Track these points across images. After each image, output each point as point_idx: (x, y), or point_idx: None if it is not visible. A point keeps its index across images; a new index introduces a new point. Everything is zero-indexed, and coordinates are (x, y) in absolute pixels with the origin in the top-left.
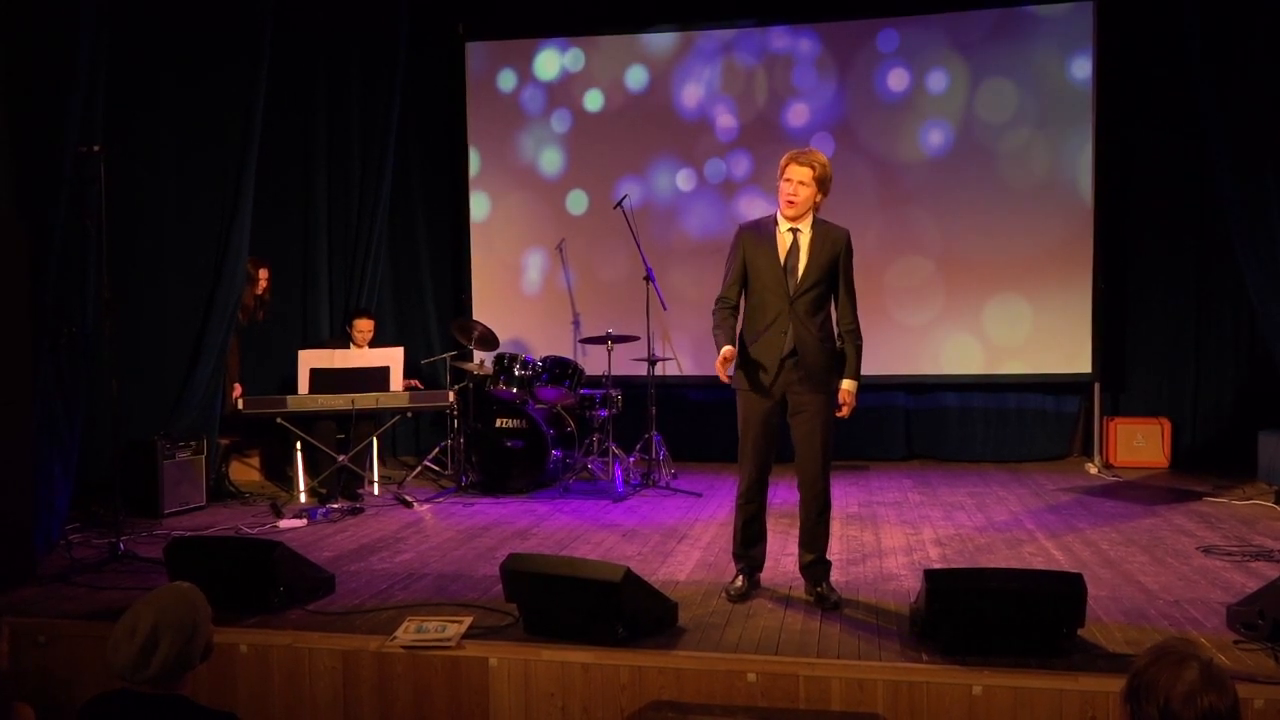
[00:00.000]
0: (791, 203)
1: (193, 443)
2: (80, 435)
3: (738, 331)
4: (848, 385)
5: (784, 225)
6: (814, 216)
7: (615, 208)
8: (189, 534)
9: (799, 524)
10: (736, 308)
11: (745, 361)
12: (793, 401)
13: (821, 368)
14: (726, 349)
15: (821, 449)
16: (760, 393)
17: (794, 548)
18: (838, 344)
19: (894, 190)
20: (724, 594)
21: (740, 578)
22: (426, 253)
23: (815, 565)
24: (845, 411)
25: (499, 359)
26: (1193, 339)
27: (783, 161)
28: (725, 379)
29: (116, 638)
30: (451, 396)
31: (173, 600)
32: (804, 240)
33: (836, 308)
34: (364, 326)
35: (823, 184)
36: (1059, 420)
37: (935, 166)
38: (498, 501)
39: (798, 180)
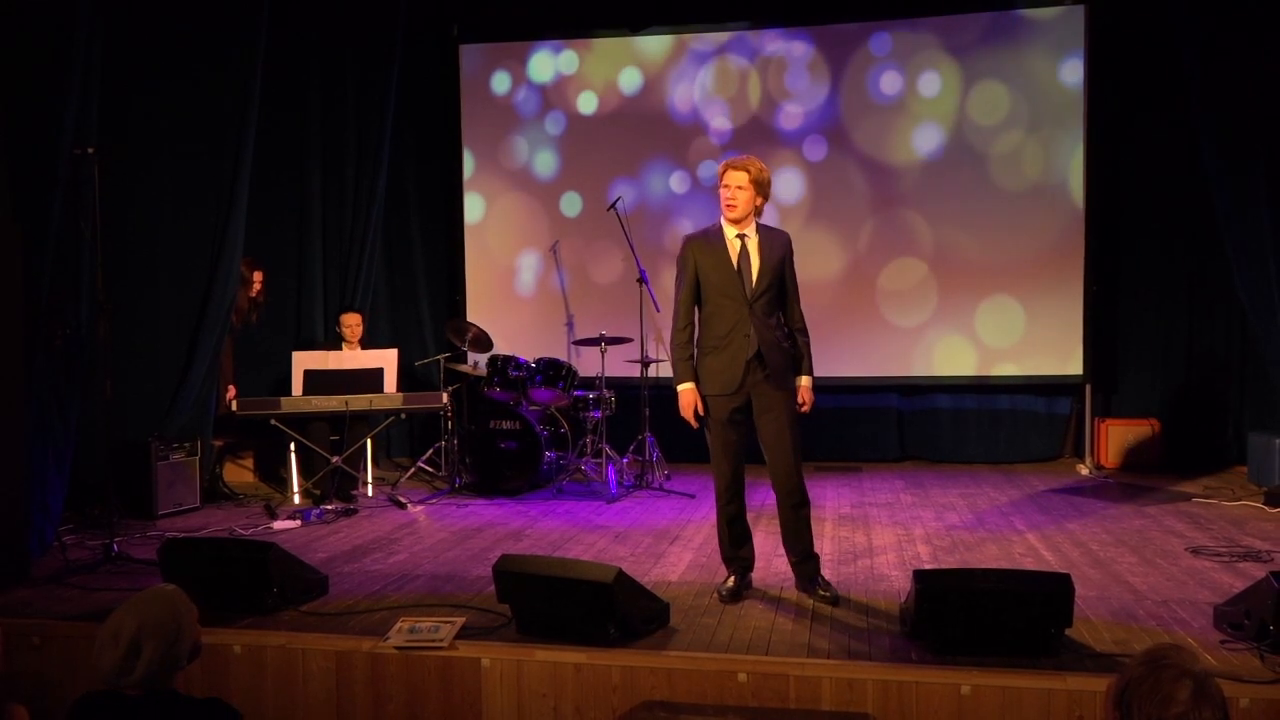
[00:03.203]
0: (731, 206)
1: (187, 444)
2: (74, 437)
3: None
4: (806, 382)
5: (730, 232)
6: (756, 222)
7: (609, 210)
8: (182, 535)
9: (780, 524)
10: (694, 338)
11: (709, 367)
12: (758, 402)
13: (783, 366)
14: (697, 403)
15: (792, 446)
16: (727, 396)
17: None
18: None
19: (886, 192)
20: (715, 594)
21: (732, 578)
22: (421, 255)
23: (806, 562)
24: (807, 408)
25: (492, 360)
26: (1183, 340)
27: (719, 169)
28: (695, 425)
29: (100, 644)
30: (445, 398)
31: (155, 604)
32: (752, 245)
33: (785, 308)
34: (350, 321)
35: (760, 187)
36: (1051, 422)
37: (927, 169)
38: (491, 503)
39: (735, 185)
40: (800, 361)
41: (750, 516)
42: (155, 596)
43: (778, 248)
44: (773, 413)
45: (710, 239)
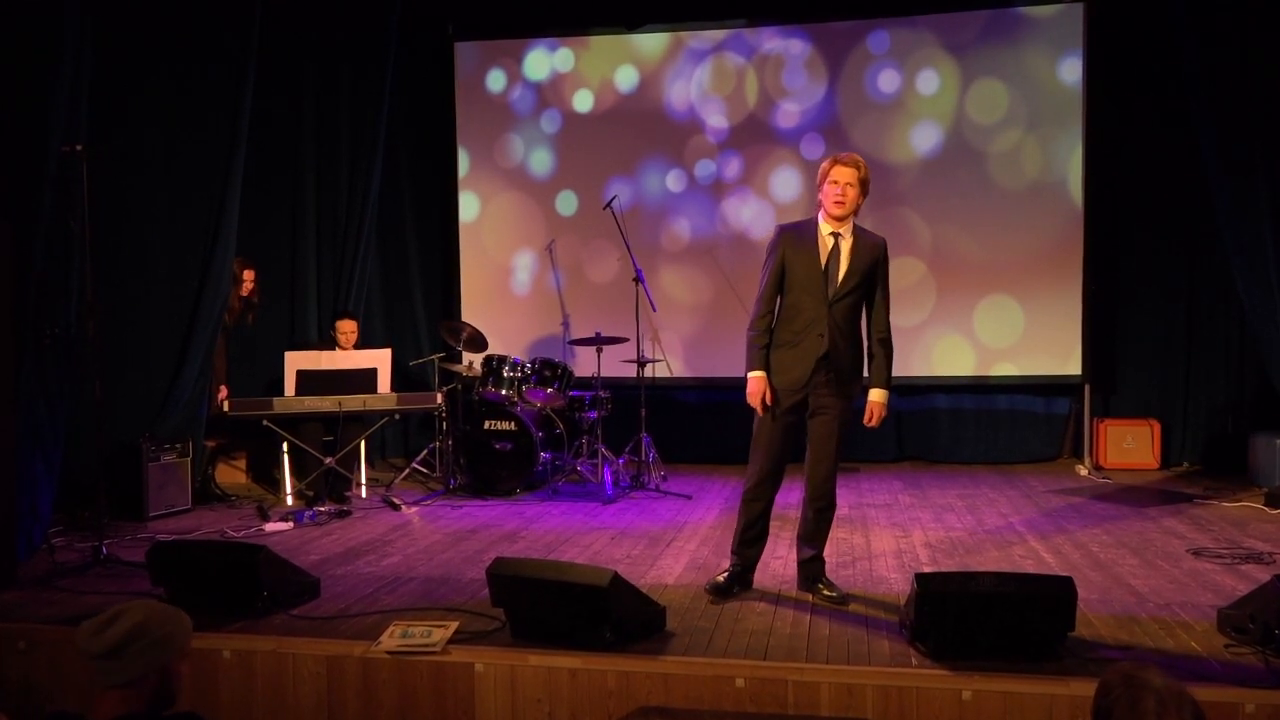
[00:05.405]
0: (840, 203)
1: (178, 445)
2: (64, 438)
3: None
4: (879, 396)
5: (826, 229)
6: (854, 223)
7: (605, 208)
8: (173, 538)
9: (800, 519)
10: (772, 326)
11: (779, 360)
12: (814, 402)
13: (849, 372)
14: (767, 393)
15: (835, 451)
16: (790, 392)
17: (784, 550)
18: (866, 351)
19: (885, 191)
20: (705, 589)
21: (726, 573)
22: (415, 254)
23: (815, 561)
24: (876, 421)
25: (488, 360)
26: (1183, 340)
27: (824, 166)
28: (763, 413)
29: (91, 625)
30: (440, 398)
31: (163, 612)
32: (845, 245)
33: (870, 314)
34: (346, 328)
35: (865, 186)
36: (1049, 422)
37: (926, 168)
38: (486, 504)
39: (845, 182)
40: (874, 372)
41: None
42: (166, 609)
43: (870, 252)
44: (826, 415)
45: (803, 233)
